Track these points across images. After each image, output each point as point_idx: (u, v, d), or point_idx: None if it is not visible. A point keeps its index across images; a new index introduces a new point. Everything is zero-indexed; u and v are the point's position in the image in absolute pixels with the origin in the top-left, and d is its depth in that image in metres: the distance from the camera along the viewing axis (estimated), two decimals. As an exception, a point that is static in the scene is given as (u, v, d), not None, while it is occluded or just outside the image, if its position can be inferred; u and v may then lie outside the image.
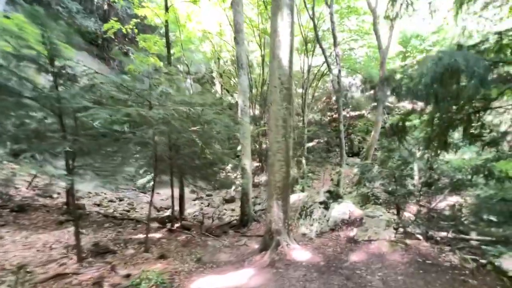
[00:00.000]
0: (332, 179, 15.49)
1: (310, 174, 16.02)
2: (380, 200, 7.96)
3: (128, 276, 3.76)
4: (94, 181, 5.93)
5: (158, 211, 13.16)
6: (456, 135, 4.09)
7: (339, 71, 12.92)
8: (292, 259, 4.06)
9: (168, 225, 9.31)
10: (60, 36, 3.80)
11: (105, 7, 17.52)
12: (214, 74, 21.59)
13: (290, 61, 4.31)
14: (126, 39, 17.11)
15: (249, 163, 8.41)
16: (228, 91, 22.59)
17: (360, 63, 17.38)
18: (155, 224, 7.63)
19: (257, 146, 12.92)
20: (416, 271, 3.49)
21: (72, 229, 6.27)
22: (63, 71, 4.16)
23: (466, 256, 3.73)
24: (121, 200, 12.28)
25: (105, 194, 12.15)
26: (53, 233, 5.97)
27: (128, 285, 3.45)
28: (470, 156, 6.93)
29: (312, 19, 12.64)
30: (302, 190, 11.15)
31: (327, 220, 5.58)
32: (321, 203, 6.84)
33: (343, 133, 13.27)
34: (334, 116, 22.71)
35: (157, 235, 6.36)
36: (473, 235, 4.51)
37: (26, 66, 3.78)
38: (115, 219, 8.20)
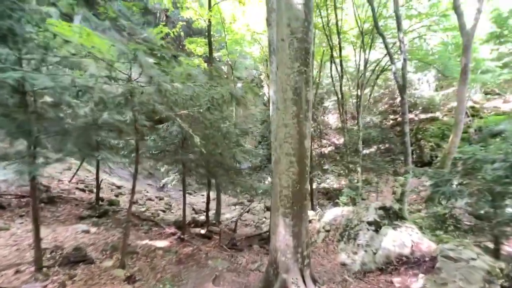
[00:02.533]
0: (394, 193, 12.55)
1: (365, 185, 13.37)
2: (464, 227, 5.41)
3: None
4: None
5: (197, 213, 12.54)
6: None
7: (405, 60, 10.28)
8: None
9: (198, 229, 8.42)
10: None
11: (164, 18, 18.44)
12: (263, 77, 20.65)
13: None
14: (176, 44, 17.57)
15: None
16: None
17: (433, 54, 14.00)
18: (170, 229, 6.70)
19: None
20: None
21: (91, 224, 5.80)
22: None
23: None
24: (160, 199, 12.06)
25: (147, 192, 12.15)
26: (67, 227, 5.53)
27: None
28: None
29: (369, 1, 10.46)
30: (351, 203, 8.91)
31: (374, 253, 3.65)
32: (370, 223, 4.86)
33: (408, 136, 10.47)
34: (398, 119, 19.17)
35: (161, 243, 5.36)
36: None
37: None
38: (139, 219, 7.63)
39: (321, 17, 10.79)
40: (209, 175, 6.68)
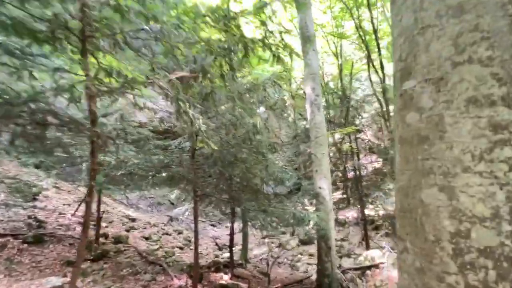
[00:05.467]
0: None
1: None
2: None
3: None
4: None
5: (220, 249, 10.48)
6: None
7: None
8: None
9: (220, 275, 6.40)
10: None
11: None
12: (286, 97, 19.28)
13: None
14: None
15: (327, 186, 4.89)
16: (301, 115, 19.79)
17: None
18: (180, 279, 4.80)
19: (340, 167, 8.92)
20: None
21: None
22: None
23: None
24: (179, 233, 10.25)
25: (163, 224, 10.47)
26: (32, 282, 3.88)
27: None
28: None
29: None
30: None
31: None
32: None
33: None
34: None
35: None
36: None
37: None
38: (144, 263, 5.84)
39: (353, 17, 9.34)
40: (232, 202, 4.86)
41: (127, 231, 8.34)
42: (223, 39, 2.16)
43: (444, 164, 0.79)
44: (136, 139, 3.85)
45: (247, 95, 3.52)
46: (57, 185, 9.27)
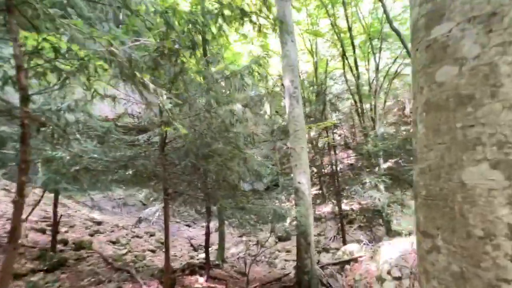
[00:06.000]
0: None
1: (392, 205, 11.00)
2: None
3: None
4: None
5: (196, 250, 10.01)
6: None
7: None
8: None
9: (195, 278, 6.02)
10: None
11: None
12: (262, 94, 19.16)
13: None
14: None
15: (306, 181, 4.74)
16: (277, 112, 19.79)
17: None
18: (150, 285, 4.37)
19: (316, 162, 8.94)
20: None
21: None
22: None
23: None
24: (151, 235, 9.59)
25: (133, 226, 9.73)
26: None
27: None
28: None
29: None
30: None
31: None
32: None
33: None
34: (411, 130, 17.42)
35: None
36: None
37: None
38: (110, 269, 5.26)
39: (328, 14, 9.35)
40: (208, 200, 4.45)
41: (91, 235, 7.58)
42: (194, 8, 1.83)
43: (498, 130, 0.57)
44: (97, 132, 3.36)
45: (223, 84, 3.20)
46: (7, 187, 8.17)
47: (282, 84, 4.86)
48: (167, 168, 3.09)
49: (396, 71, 12.75)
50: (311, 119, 9.18)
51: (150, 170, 3.19)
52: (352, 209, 11.11)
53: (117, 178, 4.48)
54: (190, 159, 2.83)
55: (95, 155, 2.93)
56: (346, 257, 4.72)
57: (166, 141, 2.92)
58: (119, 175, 4.36)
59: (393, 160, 14.86)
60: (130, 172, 4.20)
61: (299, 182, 4.71)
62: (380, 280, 3.69)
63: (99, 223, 8.89)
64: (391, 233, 8.89)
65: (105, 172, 3.25)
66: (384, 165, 14.25)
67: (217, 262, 7.54)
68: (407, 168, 13.58)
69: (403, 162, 14.73)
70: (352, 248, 4.83)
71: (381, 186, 10.89)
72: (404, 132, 17.36)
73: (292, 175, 5.20)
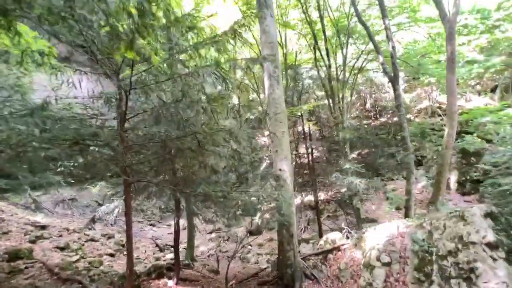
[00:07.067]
0: (388, 198, 10.74)
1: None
2: None
3: None
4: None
5: (162, 250, 9.13)
6: None
7: (393, 48, 8.91)
8: None
9: (164, 281, 5.32)
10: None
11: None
12: (231, 87, 18.42)
13: None
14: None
15: (288, 168, 4.36)
16: (245, 105, 19.22)
17: (406, 54, 13.38)
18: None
19: (292, 151, 8.75)
20: None
21: None
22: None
23: None
24: (109, 237, 8.43)
25: (88, 229, 8.45)
26: None
27: None
28: None
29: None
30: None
31: None
32: (491, 245, 2.57)
33: (407, 131, 8.86)
34: (372, 123, 18.42)
35: None
36: None
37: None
38: (57, 280, 4.30)
39: (300, 2, 9.11)
40: (181, 190, 3.71)
41: (33, 242, 6.30)
42: None
43: None
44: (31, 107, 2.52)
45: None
46: None
47: (261, 64, 4.39)
48: (128, 149, 2.39)
49: (361, 66, 13.20)
50: (288, 104, 8.95)
51: (105, 154, 2.48)
52: (321, 200, 11.23)
53: (63, 169, 3.58)
54: (159, 132, 2.18)
55: (22, 128, 2.10)
56: (328, 246, 4.49)
57: (127, 114, 2.21)
58: (65, 166, 3.48)
59: (362, 151, 15.47)
60: (81, 161, 3.37)
61: (280, 169, 4.32)
62: (369, 267, 3.49)
63: (43, 227, 7.50)
64: (361, 221, 9.10)
65: (38, 150, 2.39)
66: (353, 154, 14.74)
67: (186, 262, 6.86)
68: (371, 159, 14.17)
69: (364, 154, 15.44)
70: (334, 236, 4.62)
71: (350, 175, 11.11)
72: (366, 126, 18.28)
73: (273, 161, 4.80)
